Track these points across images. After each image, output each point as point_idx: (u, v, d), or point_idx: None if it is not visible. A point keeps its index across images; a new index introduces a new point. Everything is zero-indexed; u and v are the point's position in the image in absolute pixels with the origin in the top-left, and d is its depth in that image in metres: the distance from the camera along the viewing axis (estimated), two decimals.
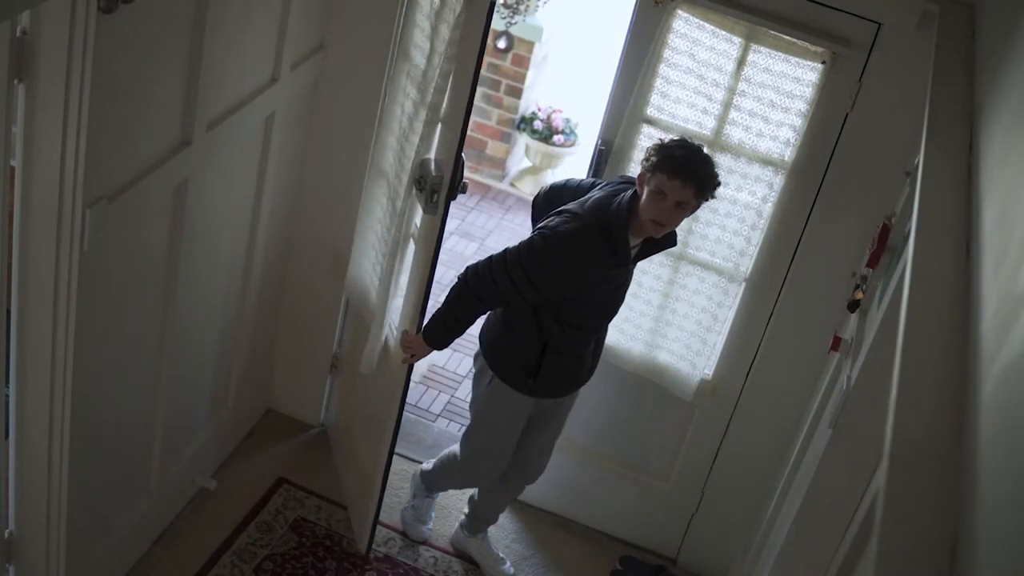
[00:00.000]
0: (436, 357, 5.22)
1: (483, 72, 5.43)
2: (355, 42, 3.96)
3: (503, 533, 4.38)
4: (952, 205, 2.11)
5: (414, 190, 3.57)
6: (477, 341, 3.86)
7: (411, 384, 4.01)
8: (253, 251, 4.01)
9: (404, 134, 3.67)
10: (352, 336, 4.45)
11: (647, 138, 3.79)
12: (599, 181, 3.70)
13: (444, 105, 3.42)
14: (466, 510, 4.26)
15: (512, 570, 4.23)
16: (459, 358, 5.30)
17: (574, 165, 6.71)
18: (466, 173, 3.64)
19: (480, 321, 3.82)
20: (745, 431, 4.18)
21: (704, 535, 4.41)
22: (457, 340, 3.80)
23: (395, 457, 4.17)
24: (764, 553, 3.51)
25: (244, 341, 4.18)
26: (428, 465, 4.26)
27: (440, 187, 3.48)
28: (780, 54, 3.60)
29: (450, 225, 6.00)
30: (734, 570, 4.19)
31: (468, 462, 4.00)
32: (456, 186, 3.52)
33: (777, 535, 3.31)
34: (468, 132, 3.54)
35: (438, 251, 3.60)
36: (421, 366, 5.09)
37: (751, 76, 3.64)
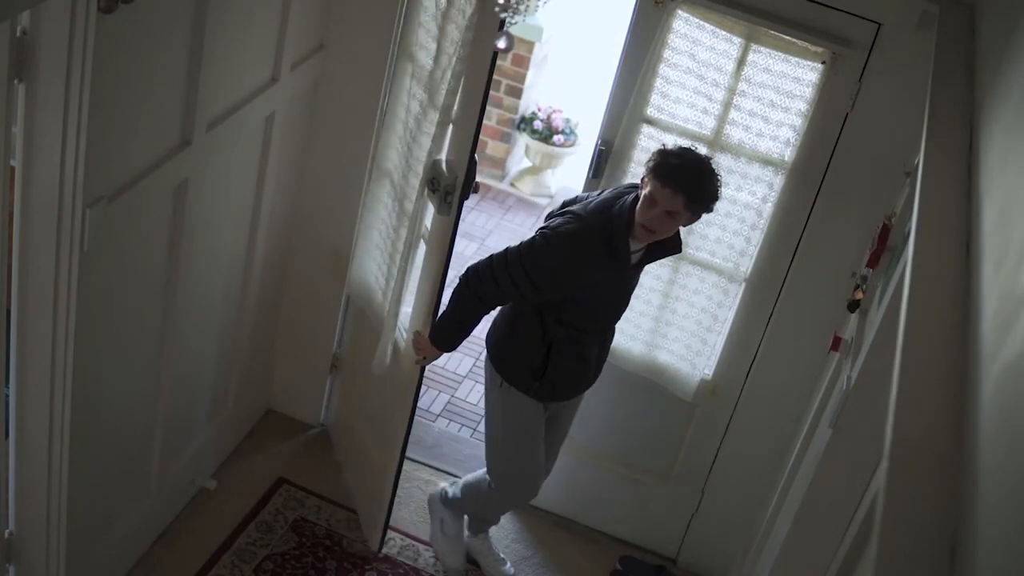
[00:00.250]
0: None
1: None
2: (355, 42, 3.96)
3: (503, 533, 4.38)
4: (952, 205, 2.10)
5: (426, 191, 3.57)
6: (483, 344, 3.85)
7: None
8: (253, 251, 4.01)
9: (412, 135, 3.67)
10: (352, 336, 4.45)
11: (647, 138, 3.79)
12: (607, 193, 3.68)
13: (456, 106, 3.42)
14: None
15: (512, 570, 4.23)
16: (459, 358, 5.29)
17: (574, 165, 6.71)
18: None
19: (487, 326, 3.82)
20: (745, 431, 4.18)
21: (704, 535, 4.41)
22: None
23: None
24: (764, 553, 3.50)
25: (244, 341, 4.18)
26: (451, 491, 4.13)
27: (454, 187, 3.48)
28: (780, 54, 3.60)
29: None
30: (734, 570, 4.19)
31: (503, 483, 3.91)
32: (468, 186, 3.53)
33: (777, 535, 3.31)
34: None
35: (451, 252, 3.61)
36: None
37: (751, 76, 3.64)
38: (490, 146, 6.80)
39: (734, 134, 3.72)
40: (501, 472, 3.90)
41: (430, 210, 3.65)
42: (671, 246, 3.58)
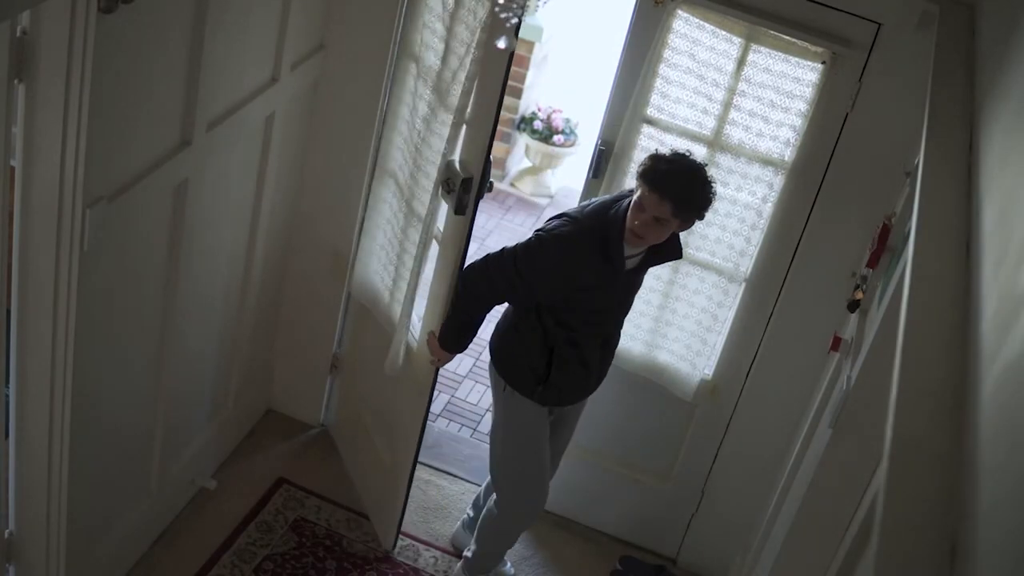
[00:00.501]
0: None
1: None
2: (355, 42, 3.96)
3: None
4: (952, 205, 2.10)
5: (440, 191, 3.57)
6: (486, 345, 3.84)
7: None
8: (253, 251, 4.01)
9: (420, 135, 3.68)
10: (352, 336, 4.45)
11: (647, 138, 3.79)
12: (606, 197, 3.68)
13: (469, 107, 3.42)
14: (469, 511, 4.26)
15: (512, 570, 4.23)
16: (459, 358, 5.26)
17: (574, 165, 6.71)
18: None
19: (490, 328, 3.82)
20: (745, 431, 4.18)
21: (704, 535, 4.41)
22: None
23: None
24: (764, 553, 3.50)
25: (244, 341, 4.18)
26: (469, 552, 4.05)
27: (470, 187, 3.49)
28: (780, 54, 3.60)
29: None
30: (734, 570, 4.19)
31: (508, 498, 3.87)
32: (483, 186, 3.53)
33: (777, 535, 3.31)
34: None
35: (466, 251, 3.62)
36: None
37: (751, 76, 3.64)
38: None
39: (734, 134, 3.72)
40: (504, 478, 3.87)
41: (441, 210, 3.65)
42: (671, 252, 3.57)
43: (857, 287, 3.30)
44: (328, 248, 4.31)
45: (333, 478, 4.44)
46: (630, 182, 3.74)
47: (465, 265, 3.63)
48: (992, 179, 2.01)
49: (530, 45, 6.54)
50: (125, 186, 3.03)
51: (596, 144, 3.95)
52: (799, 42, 3.58)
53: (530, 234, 3.57)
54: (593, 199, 3.68)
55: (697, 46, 3.66)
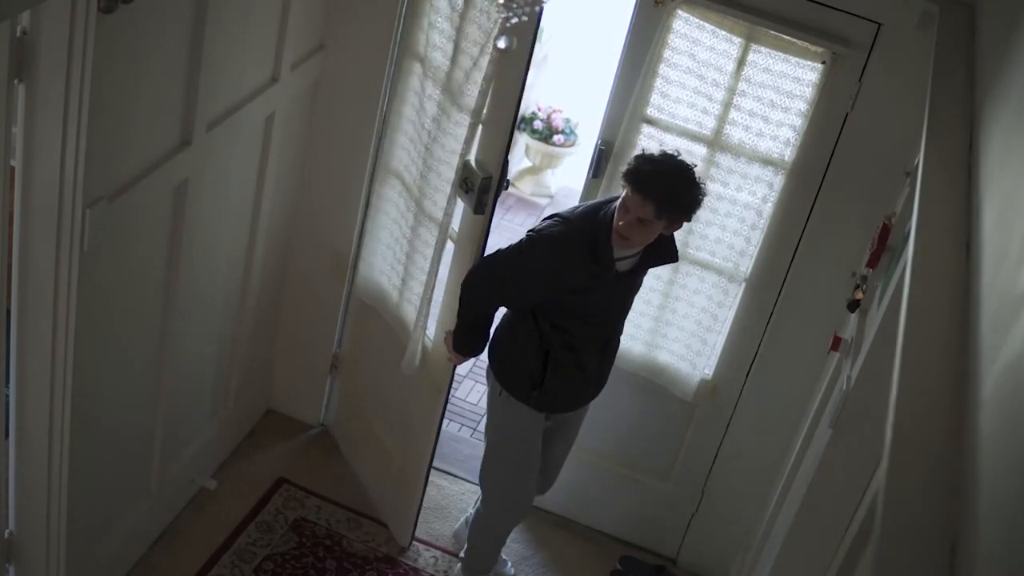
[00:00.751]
0: None
1: None
2: (355, 42, 3.96)
3: None
4: (952, 205, 2.10)
5: (457, 191, 3.57)
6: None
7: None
8: (253, 251, 4.01)
9: (431, 135, 3.68)
10: (352, 336, 4.45)
11: (647, 138, 3.79)
12: (599, 198, 3.68)
13: (486, 107, 3.41)
14: (470, 511, 4.25)
15: (513, 570, 4.23)
16: None
17: (574, 165, 6.71)
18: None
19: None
20: (745, 431, 4.18)
21: (704, 535, 4.41)
22: None
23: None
24: (764, 553, 3.50)
25: (244, 341, 4.18)
26: (463, 551, 4.08)
27: (489, 187, 3.49)
28: (780, 54, 3.60)
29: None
30: (734, 570, 4.19)
31: (491, 498, 3.87)
32: (501, 185, 3.54)
33: (777, 535, 3.31)
34: None
35: (484, 251, 3.62)
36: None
37: (751, 76, 3.64)
38: None
39: (734, 134, 3.72)
40: (489, 478, 3.87)
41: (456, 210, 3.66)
42: (667, 255, 3.56)
43: (857, 287, 3.30)
44: (328, 248, 4.31)
45: (333, 478, 4.44)
46: None
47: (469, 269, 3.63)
48: (992, 179, 2.01)
49: None
50: (125, 186, 3.03)
51: (596, 144, 3.95)
52: (799, 42, 3.58)
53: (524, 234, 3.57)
54: (588, 201, 3.68)
55: (697, 46, 3.66)
